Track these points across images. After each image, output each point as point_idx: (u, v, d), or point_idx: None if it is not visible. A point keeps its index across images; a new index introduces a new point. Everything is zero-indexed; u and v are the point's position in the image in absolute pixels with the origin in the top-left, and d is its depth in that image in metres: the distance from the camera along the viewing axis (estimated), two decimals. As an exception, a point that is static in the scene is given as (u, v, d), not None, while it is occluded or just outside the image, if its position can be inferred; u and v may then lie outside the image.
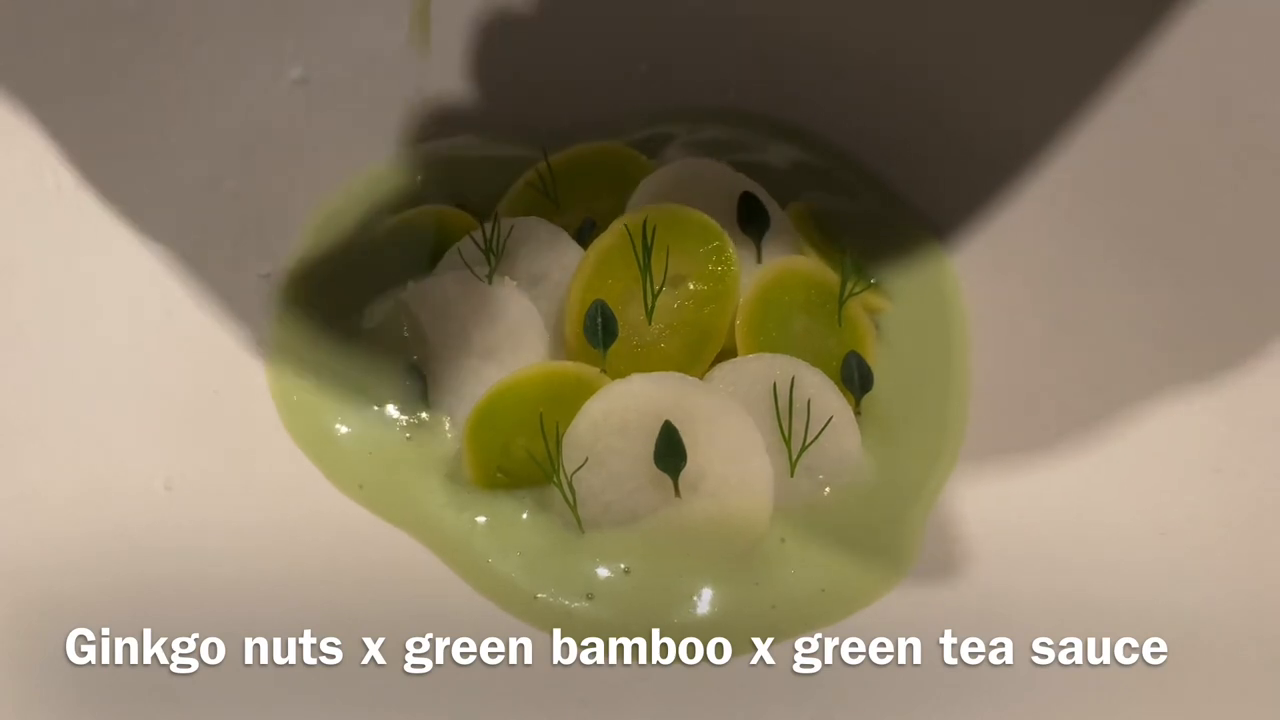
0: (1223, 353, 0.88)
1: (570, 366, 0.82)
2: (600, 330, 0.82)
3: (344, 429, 0.83)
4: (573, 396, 0.80)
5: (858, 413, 0.88)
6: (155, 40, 0.94)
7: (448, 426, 0.84)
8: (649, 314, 0.83)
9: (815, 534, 0.82)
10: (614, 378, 0.82)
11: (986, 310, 0.96)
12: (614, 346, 0.83)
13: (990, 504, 0.85)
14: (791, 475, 0.83)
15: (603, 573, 0.78)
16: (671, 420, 0.78)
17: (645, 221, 0.84)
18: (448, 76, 1.05)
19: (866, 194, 1.04)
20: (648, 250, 0.83)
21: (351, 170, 0.99)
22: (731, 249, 0.87)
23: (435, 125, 1.04)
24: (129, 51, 0.92)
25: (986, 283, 0.98)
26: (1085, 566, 0.80)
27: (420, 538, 0.79)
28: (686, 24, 1.10)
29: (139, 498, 0.74)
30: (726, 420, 0.79)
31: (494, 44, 1.07)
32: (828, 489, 0.84)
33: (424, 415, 0.85)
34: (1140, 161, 0.96)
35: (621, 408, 0.79)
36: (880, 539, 0.82)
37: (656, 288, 0.84)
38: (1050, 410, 0.90)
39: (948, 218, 1.02)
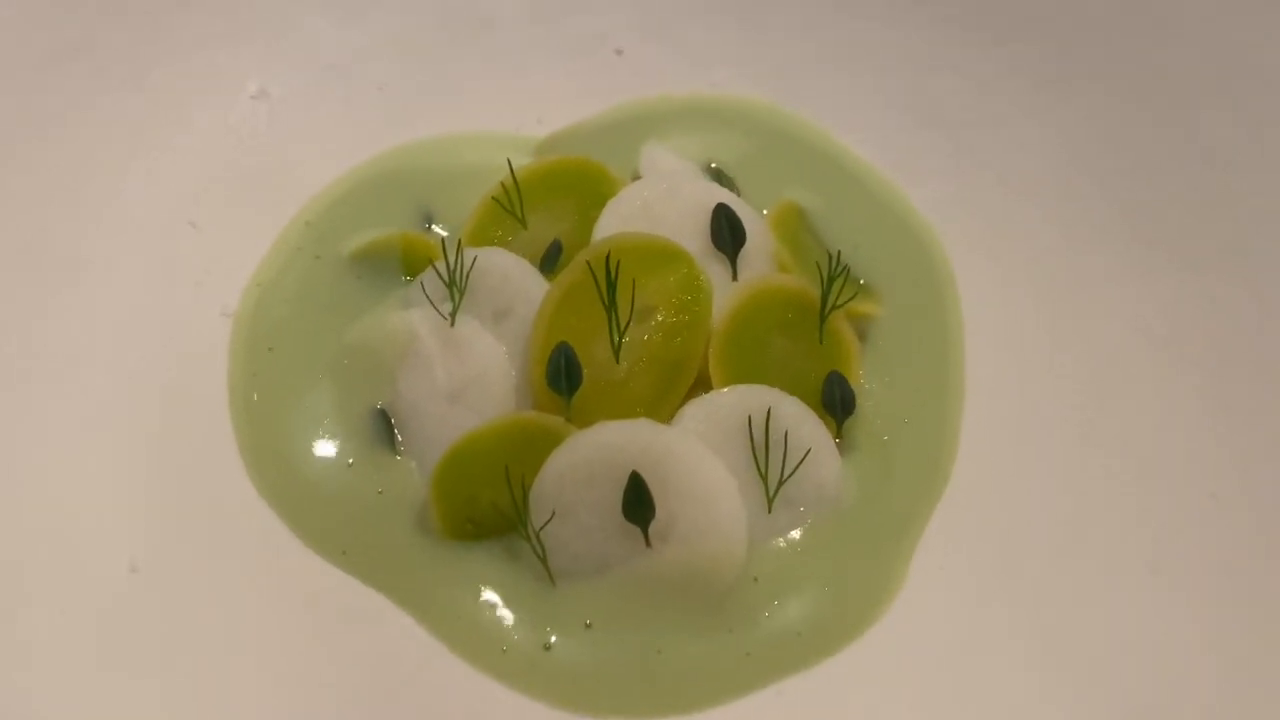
0: (1225, 365, 0.84)
1: (534, 417, 0.80)
2: (564, 377, 0.79)
3: (317, 488, 0.81)
4: (539, 447, 0.78)
5: (840, 437, 0.85)
6: (102, 71, 0.90)
7: (417, 473, 0.82)
8: (616, 351, 0.80)
9: (792, 572, 0.80)
10: (581, 423, 0.79)
11: (984, 312, 0.92)
12: (581, 389, 0.80)
13: (978, 533, 0.82)
14: (769, 510, 0.81)
15: (572, 626, 0.77)
16: (639, 470, 0.76)
17: (608, 255, 0.80)
18: (410, 78, 1.01)
19: (856, 187, 0.99)
20: (612, 286, 0.79)
21: (316, 187, 0.96)
22: (701, 275, 0.83)
23: (401, 129, 1.00)
24: (76, 86, 0.89)
25: (984, 280, 0.93)
26: (1072, 601, 0.78)
27: (394, 596, 0.78)
28: (657, 3, 1.04)
29: (103, 582, 0.73)
30: (696, 466, 0.77)
31: (459, 43, 1.02)
32: (807, 521, 0.82)
33: (394, 460, 0.83)
34: (1148, 154, 0.90)
35: (587, 459, 0.77)
36: (861, 574, 0.80)
37: (623, 323, 0.80)
38: (1046, 425, 0.86)
39: (943, 210, 0.97)
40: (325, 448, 0.83)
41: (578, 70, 1.04)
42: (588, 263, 0.81)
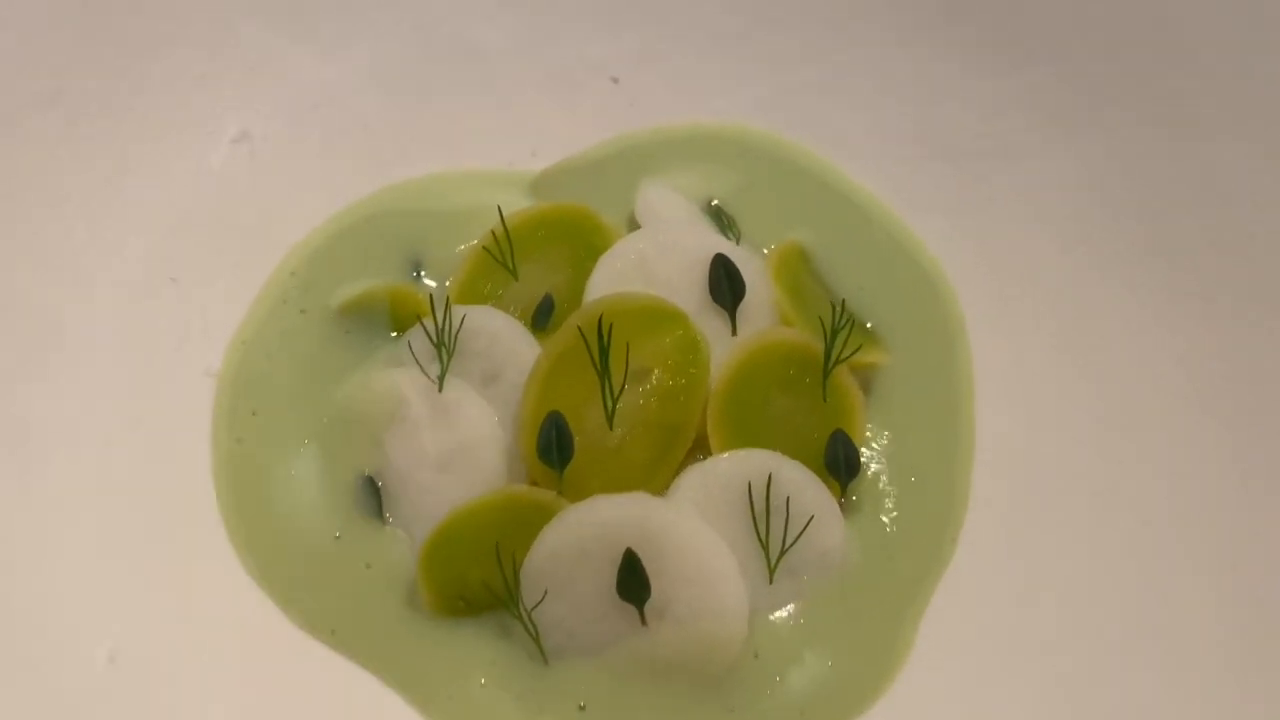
0: (1249, 417, 0.80)
1: (525, 492, 0.77)
2: (555, 449, 0.76)
3: (306, 564, 0.79)
4: (530, 522, 0.75)
5: (844, 499, 0.82)
6: (72, 120, 0.86)
7: (406, 543, 0.80)
8: (609, 418, 0.77)
9: (794, 646, 0.77)
10: (574, 493, 0.77)
11: (995, 358, 0.88)
12: (574, 458, 0.77)
13: (989, 599, 0.79)
14: (770, 581, 0.78)
15: (565, 707, 0.74)
16: (634, 547, 0.73)
17: (600, 318, 0.77)
18: (398, 114, 0.97)
19: (862, 222, 0.95)
20: (604, 351, 0.76)
21: (301, 233, 0.92)
22: (698, 335, 0.80)
23: (389, 168, 0.96)
24: (45, 136, 0.85)
25: (995, 324, 0.90)
26: (1088, 676, 0.75)
27: (384, 675, 0.76)
28: (654, 30, 1.00)
29: (78, 675, 0.70)
30: (693, 544, 0.74)
31: (447, 75, 0.98)
32: (810, 591, 0.79)
33: (382, 530, 0.80)
34: (1169, 189, 0.86)
35: (579, 537, 0.74)
36: (866, 645, 0.78)
37: (617, 389, 0.77)
38: (1061, 482, 0.83)
39: (951, 247, 0.93)
40: (313, 520, 0.80)
41: (572, 100, 1.00)
42: (579, 328, 0.77)
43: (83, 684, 0.70)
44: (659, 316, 0.79)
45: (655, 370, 0.79)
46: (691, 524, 0.75)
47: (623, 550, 0.74)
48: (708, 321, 0.83)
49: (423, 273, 0.91)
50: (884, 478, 0.83)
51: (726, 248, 0.85)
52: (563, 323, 0.81)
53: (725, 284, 0.83)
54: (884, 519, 0.82)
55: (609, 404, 0.77)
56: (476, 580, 0.75)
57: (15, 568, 0.73)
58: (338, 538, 0.80)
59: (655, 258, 0.83)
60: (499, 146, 0.98)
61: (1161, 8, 0.88)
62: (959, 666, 0.77)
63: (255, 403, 0.84)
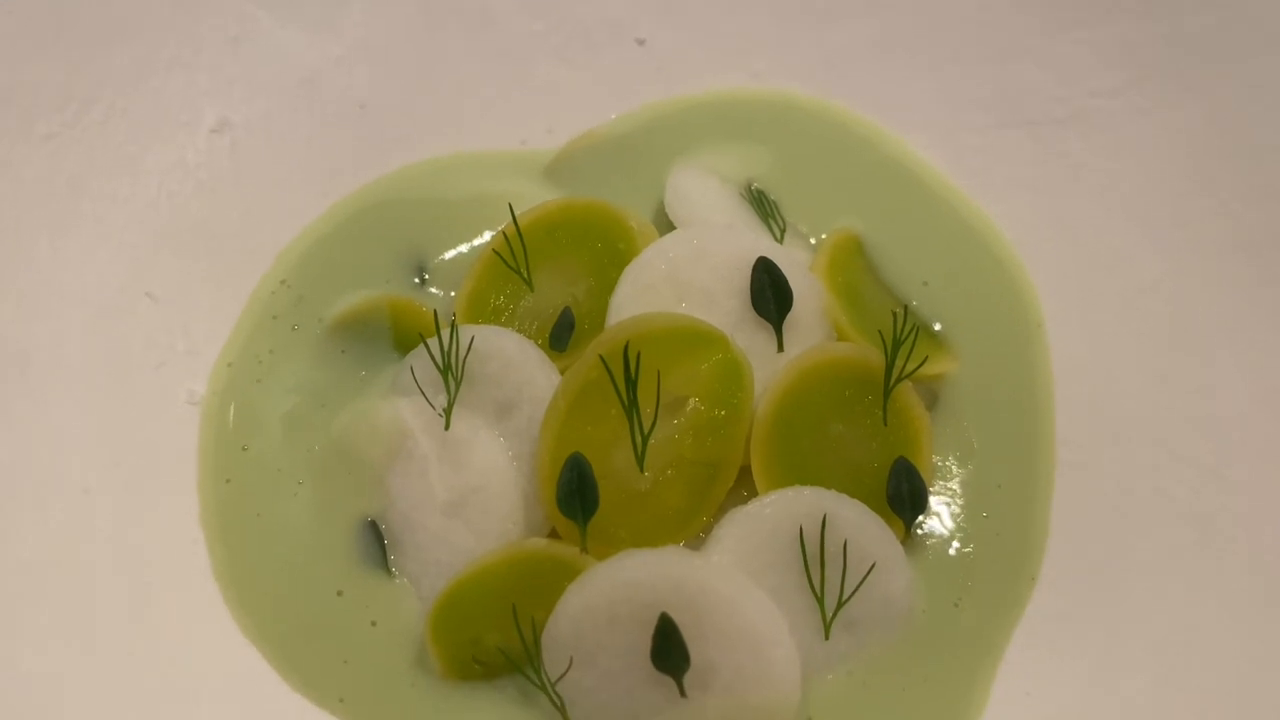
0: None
1: (544, 548, 0.68)
2: (577, 498, 0.67)
3: (307, 625, 0.70)
4: (551, 581, 0.67)
5: (908, 538, 0.72)
6: (30, 115, 0.77)
7: (414, 598, 0.71)
8: (639, 459, 0.68)
9: (853, 710, 0.68)
10: (600, 547, 0.68)
11: (1077, 365, 0.78)
12: (599, 507, 0.68)
13: (1073, 650, 0.70)
14: (826, 637, 0.69)
15: (600, 790, 0.66)
16: (669, 610, 0.64)
17: (627, 346, 0.67)
18: (397, 92, 0.86)
19: (924, 204, 0.83)
20: (631, 384, 0.66)
21: (291, 233, 0.83)
22: (739, 359, 0.70)
23: (388, 154, 0.86)
24: (2, 137, 0.76)
25: (1077, 324, 0.79)
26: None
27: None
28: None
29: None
30: (738, 605, 0.65)
31: (452, 45, 0.87)
32: (871, 646, 0.70)
33: (387, 582, 0.72)
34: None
35: (608, 600, 0.65)
36: (933, 708, 0.69)
37: (647, 426, 0.68)
38: (1153, 511, 0.72)
39: (1027, 231, 0.82)
40: (312, 572, 0.72)
41: (592, 67, 0.90)
42: (601, 358, 0.67)
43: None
44: (694, 339, 0.69)
45: (691, 401, 0.69)
46: (734, 582, 0.66)
47: (657, 614, 0.65)
48: (750, 336, 0.73)
49: (426, 276, 0.81)
50: (954, 509, 0.74)
51: (769, 248, 0.75)
52: (584, 343, 0.71)
53: (769, 293, 0.73)
54: (954, 559, 0.72)
55: (638, 443, 0.68)
56: (492, 646, 0.67)
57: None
58: (340, 595, 0.71)
59: (688, 265, 0.73)
60: (510, 124, 0.88)
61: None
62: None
63: (244, 436, 0.76)
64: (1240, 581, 0.70)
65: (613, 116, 0.88)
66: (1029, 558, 0.73)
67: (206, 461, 0.75)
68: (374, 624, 0.71)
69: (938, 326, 0.80)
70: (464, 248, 0.82)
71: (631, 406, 0.67)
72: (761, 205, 0.83)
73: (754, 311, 0.73)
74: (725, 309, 0.73)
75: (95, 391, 0.75)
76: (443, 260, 0.81)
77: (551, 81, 0.89)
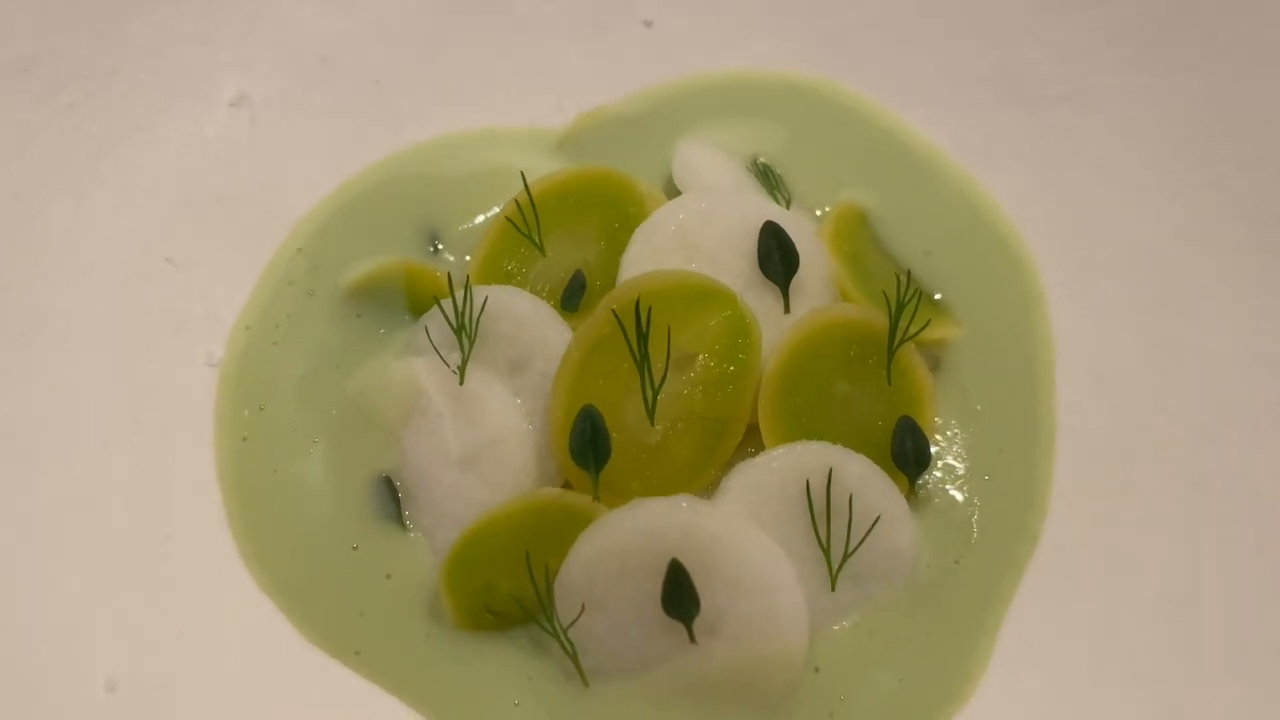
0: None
1: (556, 496, 0.69)
2: (590, 448, 0.68)
3: (322, 579, 0.72)
4: (563, 530, 0.68)
5: (912, 494, 0.74)
6: (55, 86, 0.79)
7: (427, 552, 0.72)
8: (650, 412, 0.69)
9: (860, 660, 0.70)
10: (611, 497, 0.69)
11: (1078, 332, 0.79)
12: (611, 458, 0.69)
13: (1075, 604, 0.71)
14: (832, 589, 0.70)
15: (610, 733, 0.67)
16: (680, 557, 0.66)
17: (638, 301, 0.69)
18: (410, 69, 0.88)
19: (927, 179, 0.85)
20: (643, 337, 0.68)
21: (307, 205, 0.84)
22: (748, 316, 0.71)
23: (402, 130, 0.88)
24: (26, 105, 0.78)
25: (1078, 293, 0.81)
26: (1183, 687, 0.67)
27: (409, 699, 0.69)
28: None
29: (72, 707, 0.64)
30: (746, 552, 0.66)
31: (463, 23, 0.89)
32: (876, 598, 0.71)
33: (402, 535, 0.73)
34: (1275, 141, 0.76)
35: (619, 547, 0.66)
36: (939, 658, 0.70)
37: (657, 379, 0.69)
38: (1153, 470, 0.74)
39: (1028, 206, 0.84)
40: (328, 526, 0.73)
41: (601, 47, 0.92)
42: (614, 312, 0.69)
43: (79, 715, 0.63)
44: (703, 296, 0.71)
45: (700, 357, 0.70)
46: (743, 530, 0.67)
47: (667, 561, 0.66)
48: (757, 298, 0.74)
49: (440, 246, 0.83)
50: (957, 469, 0.75)
51: (776, 213, 0.76)
52: (595, 303, 0.72)
53: (776, 255, 0.74)
54: (958, 516, 0.74)
55: (649, 396, 0.69)
56: (505, 594, 0.68)
57: (3, 587, 0.67)
58: (355, 549, 0.72)
59: (697, 228, 0.75)
60: (521, 101, 0.90)
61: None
62: (1042, 680, 0.69)
63: (261, 396, 0.77)
64: (1238, 537, 0.71)
65: (620, 95, 0.90)
66: (1031, 517, 0.74)
67: (224, 420, 0.76)
68: (388, 577, 0.72)
69: (939, 296, 0.81)
70: (478, 219, 0.83)
71: (643, 360, 0.68)
72: (767, 179, 0.84)
73: (761, 274, 0.75)
74: (734, 271, 0.74)
75: (115, 351, 0.76)
76: (456, 230, 0.83)
77: (561, 61, 0.91)
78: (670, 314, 0.70)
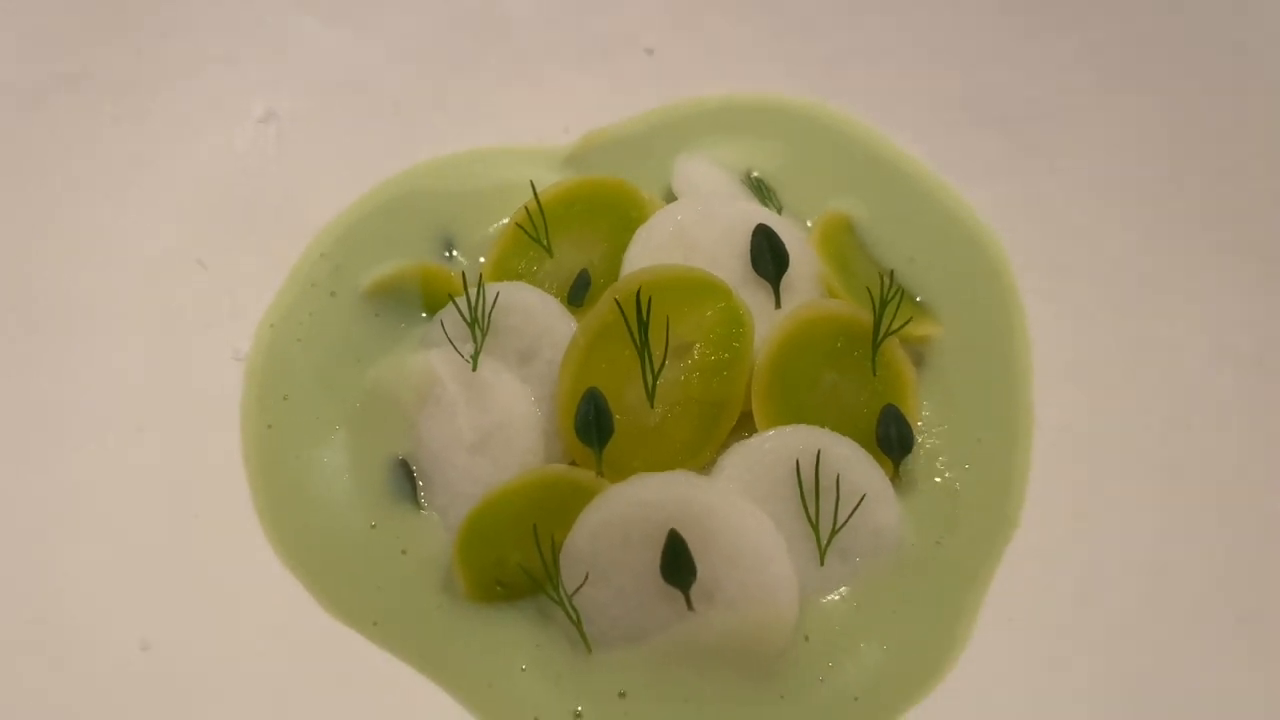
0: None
1: (563, 472, 0.74)
2: (594, 427, 0.73)
3: (342, 554, 0.76)
4: (568, 504, 0.72)
5: (896, 477, 0.78)
6: (96, 102, 0.85)
7: (441, 527, 0.77)
8: (650, 395, 0.74)
9: (847, 630, 0.74)
10: (615, 473, 0.74)
11: (1052, 331, 0.84)
12: (613, 437, 0.74)
13: (1051, 581, 0.75)
14: (821, 563, 0.74)
15: (605, 695, 0.71)
16: (678, 528, 0.70)
17: (639, 292, 0.74)
18: (427, 91, 0.95)
19: (909, 192, 0.91)
20: (643, 325, 0.73)
21: (330, 214, 0.90)
22: (741, 307, 0.76)
23: (419, 147, 0.94)
24: (69, 118, 0.84)
25: (1052, 295, 0.86)
26: (1154, 659, 0.71)
27: (421, 665, 0.73)
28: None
29: (111, 662, 0.68)
30: (740, 524, 0.71)
31: (477, 50, 0.95)
32: (863, 573, 0.75)
33: (417, 515, 0.78)
34: (1235, 152, 0.82)
35: (621, 518, 0.71)
36: (922, 629, 0.74)
37: (657, 364, 0.74)
38: (1124, 459, 0.78)
39: (1005, 216, 0.89)
40: (347, 506, 0.78)
41: (606, 73, 0.98)
42: (616, 301, 0.74)
43: (117, 671, 0.68)
44: (700, 289, 0.76)
45: (697, 345, 0.76)
46: (738, 503, 0.72)
47: (666, 532, 0.70)
48: (750, 294, 0.79)
49: (455, 252, 0.88)
50: (939, 455, 0.80)
51: (768, 217, 0.82)
52: (599, 298, 0.78)
53: (768, 255, 0.80)
54: (940, 500, 0.78)
55: (649, 380, 0.74)
56: (514, 564, 0.73)
57: (46, 556, 0.71)
58: (373, 527, 0.77)
59: (694, 229, 0.80)
60: (531, 123, 0.96)
61: (1225, -44, 0.84)
62: (1021, 651, 0.73)
63: (285, 387, 0.82)
64: (1204, 520, 0.75)
65: (624, 117, 0.96)
66: (1010, 498, 0.78)
67: (249, 408, 0.81)
68: (404, 553, 0.76)
69: (920, 299, 0.86)
70: (490, 228, 0.89)
71: (643, 346, 0.74)
72: (760, 191, 0.90)
73: (754, 272, 0.80)
74: (728, 268, 0.80)
75: (150, 344, 0.81)
76: (469, 238, 0.88)
77: (567, 85, 0.97)
78: (669, 305, 0.75)
